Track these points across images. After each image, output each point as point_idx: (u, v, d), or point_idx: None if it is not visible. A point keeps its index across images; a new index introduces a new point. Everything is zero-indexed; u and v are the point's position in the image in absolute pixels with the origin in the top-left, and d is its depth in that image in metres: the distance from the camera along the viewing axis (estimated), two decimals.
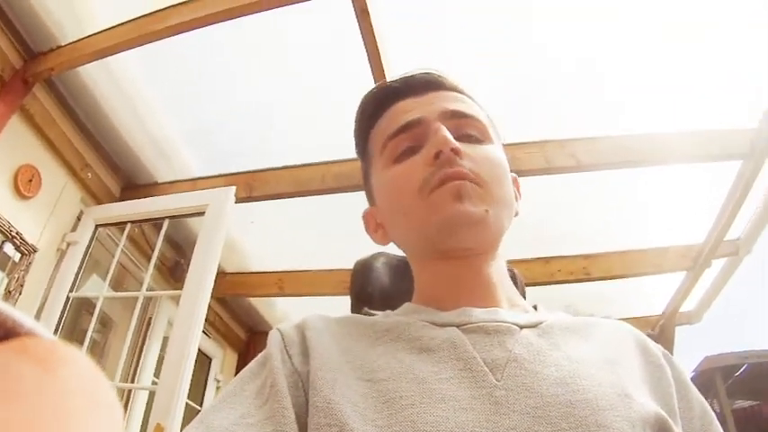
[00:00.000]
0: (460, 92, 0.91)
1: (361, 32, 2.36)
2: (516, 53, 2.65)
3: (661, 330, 4.22)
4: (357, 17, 2.32)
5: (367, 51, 2.41)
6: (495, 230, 0.81)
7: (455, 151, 0.79)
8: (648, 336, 0.83)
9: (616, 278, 3.75)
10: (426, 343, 0.71)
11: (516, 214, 0.88)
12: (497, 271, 0.83)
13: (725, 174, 3.08)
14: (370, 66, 2.45)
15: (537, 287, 3.57)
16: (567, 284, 3.73)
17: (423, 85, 0.90)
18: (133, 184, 3.32)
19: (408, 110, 0.87)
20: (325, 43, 2.63)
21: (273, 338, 0.75)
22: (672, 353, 0.83)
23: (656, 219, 3.54)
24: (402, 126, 0.85)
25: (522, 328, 0.73)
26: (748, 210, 3.32)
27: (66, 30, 2.58)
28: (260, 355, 0.75)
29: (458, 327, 0.73)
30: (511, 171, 0.89)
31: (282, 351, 0.72)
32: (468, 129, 0.85)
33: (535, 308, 0.85)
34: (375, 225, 0.92)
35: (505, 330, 0.72)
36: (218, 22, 2.46)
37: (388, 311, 0.86)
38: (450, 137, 0.80)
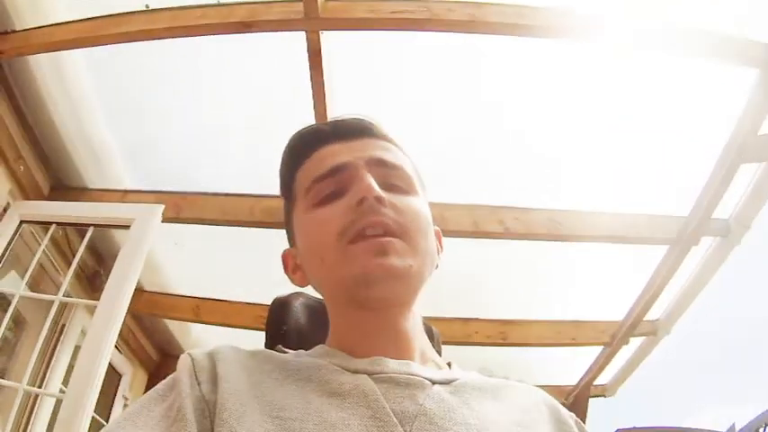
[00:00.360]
0: (390, 141, 0.92)
1: (311, 72, 2.39)
2: (458, 116, 2.73)
3: (574, 401, 4.26)
4: (309, 57, 2.35)
5: (313, 91, 2.44)
6: (414, 283, 0.81)
7: (378, 199, 0.78)
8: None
9: (533, 346, 3.80)
10: (336, 387, 0.70)
11: (437, 267, 0.88)
12: (413, 324, 0.83)
13: (650, 256, 3.17)
14: (314, 105, 2.48)
15: (453, 346, 3.58)
16: (484, 346, 3.76)
17: (353, 130, 0.90)
18: (63, 185, 3.23)
19: (336, 154, 0.86)
20: (274, 77, 2.65)
21: (184, 363, 0.73)
22: (584, 424, 0.84)
23: (578, 292, 3.61)
24: (328, 170, 0.85)
25: (434, 383, 0.73)
26: (670, 292, 3.41)
27: (22, 15, 2.53)
28: (168, 378, 0.73)
29: (369, 375, 0.72)
30: (434, 225, 0.90)
31: (192, 376, 0.70)
32: (394, 179, 0.85)
33: (449, 365, 0.85)
34: (294, 266, 0.91)
35: (417, 384, 0.72)
36: (171, 38, 2.47)
37: (301, 351, 0.85)
38: (374, 184, 0.80)
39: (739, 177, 2.63)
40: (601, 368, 4.00)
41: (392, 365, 0.75)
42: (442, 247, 0.93)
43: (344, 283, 0.79)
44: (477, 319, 3.71)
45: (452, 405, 0.70)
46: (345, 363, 0.76)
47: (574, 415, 0.83)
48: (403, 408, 0.68)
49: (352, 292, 0.79)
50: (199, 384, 0.69)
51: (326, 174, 0.85)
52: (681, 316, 3.64)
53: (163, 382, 0.73)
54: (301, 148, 0.91)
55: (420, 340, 0.84)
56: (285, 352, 0.86)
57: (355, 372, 0.73)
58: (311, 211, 0.84)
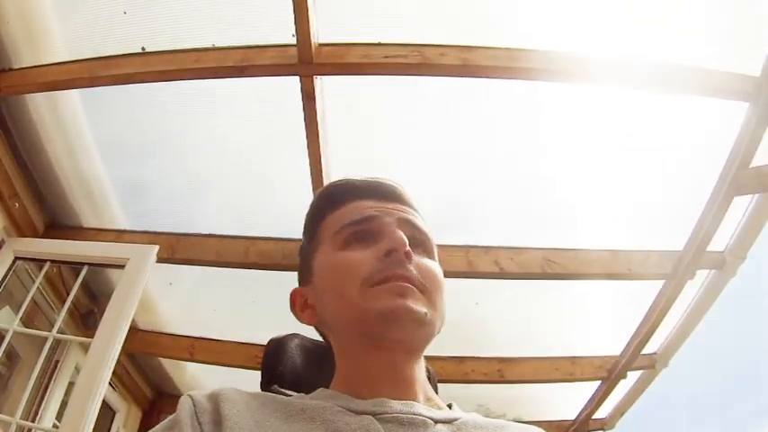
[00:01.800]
0: (415, 209, 0.96)
1: (304, 116, 2.41)
2: (451, 158, 2.77)
3: None
4: (302, 101, 2.37)
5: (307, 135, 2.47)
6: (428, 332, 0.83)
7: (407, 255, 0.82)
8: None
9: (530, 383, 3.79)
10: (341, 428, 0.71)
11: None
12: (419, 369, 0.85)
13: (646, 290, 3.17)
14: (308, 149, 2.50)
15: (450, 384, 3.57)
16: (481, 384, 3.75)
17: (385, 192, 0.95)
18: (58, 224, 3.23)
19: (370, 207, 0.91)
20: (268, 120, 2.67)
21: (184, 404, 0.74)
22: None
23: (574, 328, 3.61)
24: (363, 218, 0.89)
25: (436, 422, 0.75)
26: (666, 326, 3.41)
27: (20, 53, 2.55)
28: (168, 419, 0.74)
29: (374, 416, 0.73)
30: None
31: (193, 417, 0.71)
32: (420, 242, 0.90)
33: (450, 406, 0.86)
34: (302, 304, 0.93)
35: (420, 423, 0.73)
36: (166, 81, 2.49)
37: (303, 394, 0.85)
38: (405, 239, 0.83)
39: (733, 210, 2.65)
40: (599, 402, 3.98)
41: (395, 406, 0.75)
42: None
43: (365, 319, 0.81)
44: (473, 357, 3.70)
45: None
46: (349, 404, 0.76)
47: None
48: None
49: (372, 327, 0.81)
50: (200, 425, 0.70)
51: (361, 220, 0.88)
52: (678, 349, 3.64)
53: (161, 423, 0.73)
54: (334, 197, 0.96)
55: (423, 383, 0.86)
56: (283, 392, 0.87)
57: (359, 413, 0.74)
58: (338, 252, 0.88)
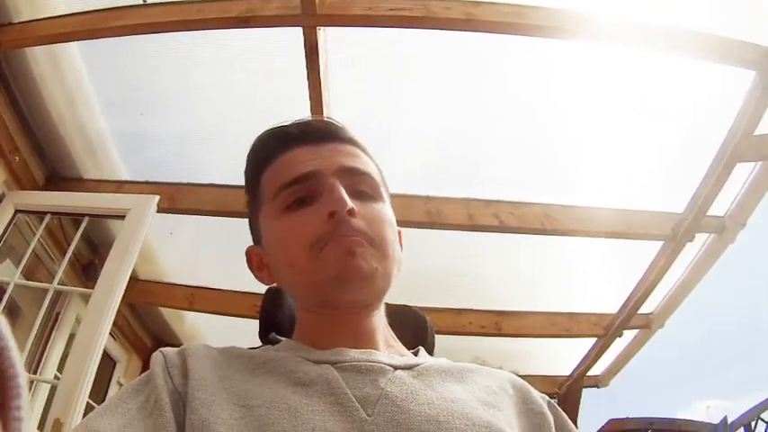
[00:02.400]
0: (357, 145, 0.92)
1: (307, 68, 2.39)
2: (454, 111, 2.74)
3: (567, 391, 4.29)
4: (305, 52, 2.34)
5: (309, 87, 2.44)
6: (382, 286, 0.83)
7: (350, 212, 0.79)
8: (554, 395, 0.86)
9: (527, 337, 3.82)
10: (301, 377, 0.73)
11: (400, 269, 0.89)
12: (377, 318, 0.86)
13: (645, 250, 3.19)
14: (311, 103, 2.48)
15: (447, 336, 3.59)
16: (478, 337, 3.78)
17: (320, 134, 0.90)
18: (58, 176, 3.22)
19: (303, 160, 0.86)
20: (271, 70, 2.65)
21: (156, 359, 0.76)
22: (577, 414, 0.86)
23: (572, 285, 3.65)
24: (297, 177, 0.84)
25: (396, 368, 0.76)
26: (664, 287, 3.44)
27: (20, 8, 2.51)
28: (143, 374, 0.77)
29: (332, 365, 0.74)
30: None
31: (164, 371, 0.74)
32: (362, 186, 0.86)
33: (416, 353, 0.87)
34: (259, 264, 0.91)
35: (378, 370, 0.74)
36: (169, 32, 2.47)
37: (268, 346, 0.87)
38: (345, 197, 0.80)
39: (735, 176, 2.65)
40: (594, 359, 4.03)
41: (354, 354, 0.77)
42: (402, 246, 0.93)
43: (316, 286, 0.81)
44: (471, 309, 3.73)
45: (415, 387, 0.72)
46: (309, 354, 0.78)
47: (547, 396, 0.84)
48: (364, 393, 0.70)
49: (325, 294, 0.81)
50: (171, 378, 0.73)
51: (295, 180, 0.84)
52: (674, 310, 3.68)
53: (137, 378, 0.76)
54: (267, 150, 0.91)
55: (383, 332, 0.86)
56: (278, 339, 0.89)
57: (319, 362, 0.75)
58: (280, 216, 0.84)
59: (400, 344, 0.89)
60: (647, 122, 2.68)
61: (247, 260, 0.93)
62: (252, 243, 0.95)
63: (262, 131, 0.94)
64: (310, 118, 0.94)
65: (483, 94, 2.69)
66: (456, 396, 0.73)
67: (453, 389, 0.75)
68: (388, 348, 0.84)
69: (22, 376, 0.34)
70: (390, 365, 0.76)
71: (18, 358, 0.32)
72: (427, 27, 2.32)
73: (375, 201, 0.86)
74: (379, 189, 0.88)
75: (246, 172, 0.95)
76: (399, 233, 0.92)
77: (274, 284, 0.93)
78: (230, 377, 0.74)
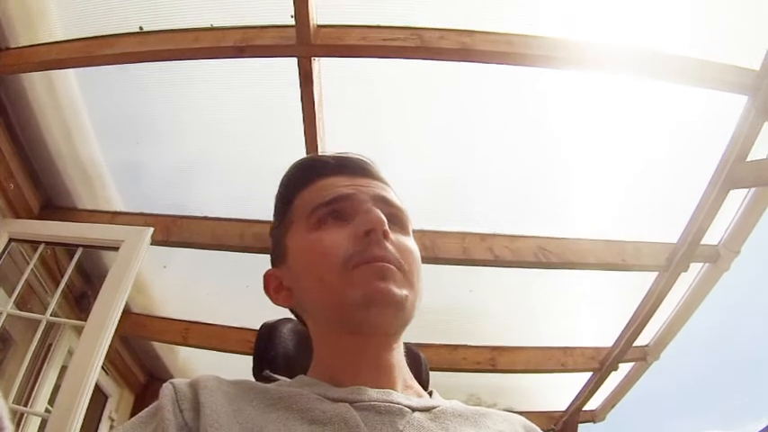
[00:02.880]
0: (387, 183, 0.95)
1: (302, 98, 2.40)
2: (449, 144, 2.77)
3: (564, 426, 4.25)
4: (300, 82, 2.36)
5: (304, 117, 2.45)
6: (408, 315, 0.82)
7: (386, 234, 0.81)
8: (551, 431, 0.86)
9: (522, 372, 3.80)
10: (317, 415, 0.71)
11: None
12: (397, 354, 0.85)
13: (640, 282, 3.18)
14: (305, 133, 2.49)
15: (442, 372, 3.58)
16: (473, 373, 3.75)
17: (356, 167, 0.93)
18: (53, 205, 3.23)
19: (340, 185, 0.89)
20: (266, 101, 2.66)
21: (166, 391, 0.74)
22: None
23: (567, 319, 3.62)
24: (335, 197, 0.86)
25: (414, 410, 0.75)
26: (659, 318, 3.42)
27: (17, 33, 2.54)
28: (151, 406, 0.74)
29: (350, 403, 0.73)
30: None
31: (174, 404, 0.72)
32: (394, 218, 0.88)
33: (430, 394, 0.86)
34: (277, 286, 0.92)
35: (397, 411, 0.73)
36: (163, 60, 2.48)
37: (282, 381, 0.86)
38: (383, 218, 0.81)
39: (728, 203, 2.65)
40: (590, 394, 4.00)
41: (372, 394, 0.76)
42: None
43: (344, 305, 0.80)
44: (465, 345, 3.70)
45: (432, 431, 0.72)
46: (326, 392, 0.76)
47: None
48: None
49: (351, 314, 0.80)
50: (181, 412, 0.71)
51: (335, 199, 0.86)
52: (670, 342, 3.65)
53: (145, 410, 0.74)
54: (304, 175, 0.93)
55: (402, 370, 0.86)
56: (273, 377, 0.88)
57: (336, 400, 0.74)
58: (312, 233, 0.86)
59: (417, 384, 0.88)
60: (640, 151, 2.69)
61: (264, 284, 0.94)
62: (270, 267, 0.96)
63: (298, 159, 0.97)
64: (349, 153, 0.96)
65: (476, 126, 2.71)
66: None
67: None
68: (405, 388, 0.83)
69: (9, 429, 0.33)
70: (409, 407, 0.75)
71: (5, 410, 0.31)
72: (421, 57, 2.34)
73: (406, 233, 0.89)
74: (408, 223, 0.92)
75: (279, 194, 0.97)
76: None
77: (291, 320, 0.94)
78: (244, 412, 0.72)
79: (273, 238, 0.96)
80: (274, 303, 0.93)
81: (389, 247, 0.81)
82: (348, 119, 2.65)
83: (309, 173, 0.93)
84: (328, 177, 0.91)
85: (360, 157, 0.95)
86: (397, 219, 0.89)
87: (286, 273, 0.90)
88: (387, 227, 0.81)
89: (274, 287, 0.92)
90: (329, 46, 2.30)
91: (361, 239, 0.80)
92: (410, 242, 0.88)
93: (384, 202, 0.88)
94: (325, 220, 0.85)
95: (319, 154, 0.99)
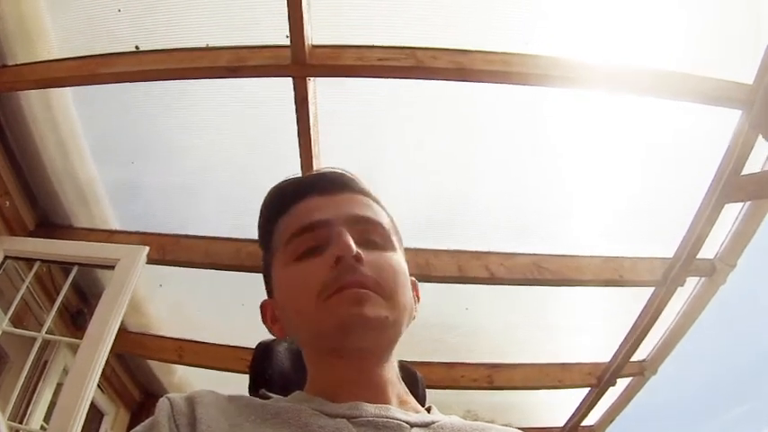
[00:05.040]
0: (369, 195, 0.93)
1: (297, 118, 2.41)
2: (444, 163, 2.77)
3: None
4: (295, 103, 2.37)
5: (299, 137, 2.46)
6: (391, 335, 0.82)
7: (356, 258, 0.79)
8: None
9: (519, 389, 3.79)
10: (315, 431, 0.70)
11: (413, 318, 0.88)
12: (389, 372, 0.84)
13: (636, 297, 3.18)
14: (300, 152, 2.50)
15: (439, 390, 3.56)
16: (470, 390, 3.74)
17: (332, 184, 0.91)
18: (49, 223, 3.22)
19: (315, 209, 0.87)
20: (262, 121, 2.68)
21: (162, 406, 0.74)
22: None
23: (564, 335, 3.62)
24: (307, 225, 0.85)
25: (412, 426, 0.74)
26: (656, 333, 3.41)
27: (15, 50, 2.54)
28: (147, 421, 0.73)
29: (348, 419, 0.72)
30: (413, 275, 0.90)
31: (170, 420, 0.71)
32: (372, 235, 0.86)
33: (428, 410, 0.85)
34: (273, 317, 0.91)
35: (395, 427, 0.73)
36: (159, 80, 2.49)
37: (279, 397, 0.85)
38: (351, 243, 0.80)
39: (724, 217, 2.66)
40: (588, 410, 3.98)
41: (370, 409, 0.75)
42: (419, 297, 0.94)
43: (322, 335, 0.80)
44: (462, 363, 3.69)
45: None
46: (324, 407, 0.76)
47: None
48: None
49: (330, 341, 0.80)
50: (177, 427, 0.70)
51: (305, 228, 0.85)
52: (667, 356, 3.65)
53: (141, 425, 0.73)
54: (281, 201, 0.92)
55: (397, 387, 0.85)
56: (269, 396, 0.86)
57: (333, 416, 0.73)
58: (290, 265, 0.85)
59: (414, 399, 0.87)
60: (634, 167, 2.70)
61: (262, 314, 0.93)
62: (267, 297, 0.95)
63: (275, 183, 0.96)
64: (324, 169, 0.96)
65: (472, 144, 2.72)
66: None
67: None
68: (401, 404, 0.82)
69: None
70: (407, 422, 0.74)
71: (3, 426, 0.30)
72: (416, 77, 2.34)
73: (385, 249, 0.86)
74: (389, 238, 0.89)
75: (260, 224, 0.96)
76: (415, 283, 0.92)
77: (287, 339, 0.93)
78: (241, 426, 0.72)
79: (263, 268, 0.96)
80: (271, 334, 0.93)
81: (363, 269, 0.79)
82: (344, 137, 2.66)
83: (285, 198, 0.92)
84: (304, 199, 0.90)
85: (337, 171, 0.94)
86: (377, 235, 0.87)
87: (276, 304, 0.90)
88: (356, 252, 0.79)
89: (270, 317, 0.92)
90: (324, 66, 2.31)
91: (333, 268, 0.79)
92: (391, 258, 0.86)
93: (360, 222, 0.86)
94: (300, 249, 0.84)
95: (294, 175, 0.96)
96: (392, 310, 0.80)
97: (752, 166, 2.45)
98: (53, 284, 3.23)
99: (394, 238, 0.90)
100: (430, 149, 2.74)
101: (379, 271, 0.81)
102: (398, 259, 0.87)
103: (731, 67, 2.29)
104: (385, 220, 0.91)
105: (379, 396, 0.80)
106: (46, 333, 2.87)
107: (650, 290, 3.11)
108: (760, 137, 2.30)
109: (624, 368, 3.53)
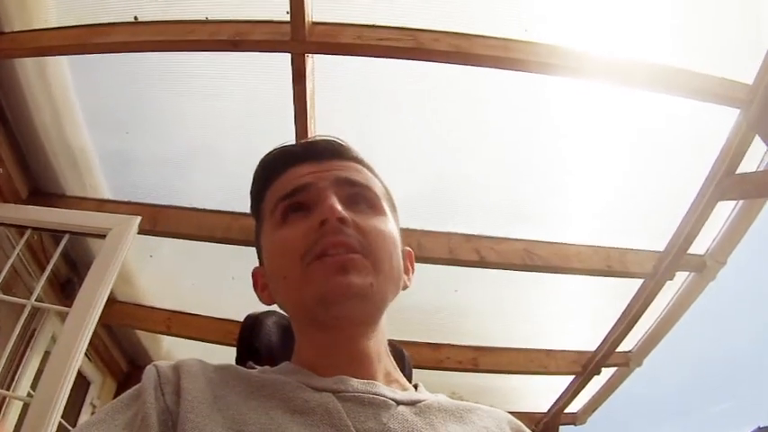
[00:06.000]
0: (361, 162, 0.92)
1: (294, 94, 2.40)
2: (439, 145, 2.78)
3: (545, 428, 4.28)
4: (293, 78, 2.36)
5: (295, 112, 2.45)
6: (376, 302, 0.80)
7: (341, 220, 0.78)
8: None
9: (504, 373, 3.81)
10: (300, 405, 0.70)
11: (405, 287, 0.88)
12: (376, 343, 0.83)
13: (625, 288, 3.20)
14: (296, 128, 2.49)
15: (424, 370, 3.57)
16: (455, 372, 3.76)
17: (323, 151, 0.90)
18: (41, 190, 3.21)
19: (303, 174, 0.87)
20: (258, 95, 2.66)
21: (149, 374, 0.74)
22: None
23: (551, 322, 3.64)
24: (293, 189, 0.85)
25: (398, 404, 0.74)
26: (643, 325, 3.44)
27: (11, 18, 2.51)
28: (133, 388, 0.73)
29: (334, 393, 0.72)
30: (406, 246, 0.89)
31: (157, 388, 0.71)
32: (360, 199, 0.85)
33: (416, 387, 0.85)
34: (263, 284, 0.90)
35: (381, 404, 0.72)
36: (158, 51, 2.48)
37: (267, 368, 0.84)
38: (337, 205, 0.79)
39: (716, 214, 2.67)
40: (572, 397, 4.02)
41: (357, 385, 0.75)
42: (413, 267, 0.93)
43: (304, 304, 0.79)
44: (449, 344, 3.71)
45: (416, 426, 0.71)
46: (310, 380, 0.75)
47: None
48: (366, 427, 0.68)
49: (312, 312, 0.79)
50: (163, 395, 0.70)
51: (291, 193, 0.85)
52: (653, 349, 3.68)
53: (127, 392, 0.73)
54: (271, 168, 0.92)
55: (384, 360, 0.84)
56: (255, 368, 0.85)
57: (320, 389, 0.73)
58: (276, 231, 0.84)
59: (401, 375, 0.87)
60: (630, 159, 2.71)
61: (253, 282, 0.93)
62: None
63: (266, 153, 0.94)
64: (317, 137, 0.95)
65: (467, 128, 2.71)
66: None
67: (453, 429, 0.74)
68: (389, 381, 0.82)
69: None
70: (393, 400, 0.74)
71: None
72: (416, 58, 2.33)
73: (375, 213, 0.85)
74: (379, 201, 0.88)
75: (251, 192, 0.95)
76: (409, 253, 0.92)
77: (274, 306, 0.91)
78: (226, 398, 0.71)
79: (255, 237, 0.95)
80: (261, 302, 0.92)
81: (348, 231, 0.78)
82: (341, 115, 2.65)
83: (276, 165, 0.91)
84: (295, 166, 0.89)
85: (329, 139, 0.93)
86: (366, 198, 0.86)
87: (265, 271, 0.90)
88: (340, 213, 0.78)
89: (261, 285, 0.91)
90: (323, 43, 2.29)
91: (317, 230, 0.78)
92: (378, 221, 0.84)
93: (348, 184, 0.85)
94: (287, 214, 0.84)
95: (286, 143, 0.94)
96: (377, 275, 0.78)
97: (747, 164, 2.46)
98: (44, 253, 3.22)
99: (385, 204, 0.89)
100: (425, 130, 2.74)
101: (366, 234, 0.80)
102: (387, 223, 0.86)
103: (731, 66, 2.30)
104: (376, 185, 0.90)
105: (366, 370, 0.80)
106: (35, 301, 2.86)
107: (639, 282, 3.13)
108: (756, 137, 2.31)
109: (610, 358, 3.56)
